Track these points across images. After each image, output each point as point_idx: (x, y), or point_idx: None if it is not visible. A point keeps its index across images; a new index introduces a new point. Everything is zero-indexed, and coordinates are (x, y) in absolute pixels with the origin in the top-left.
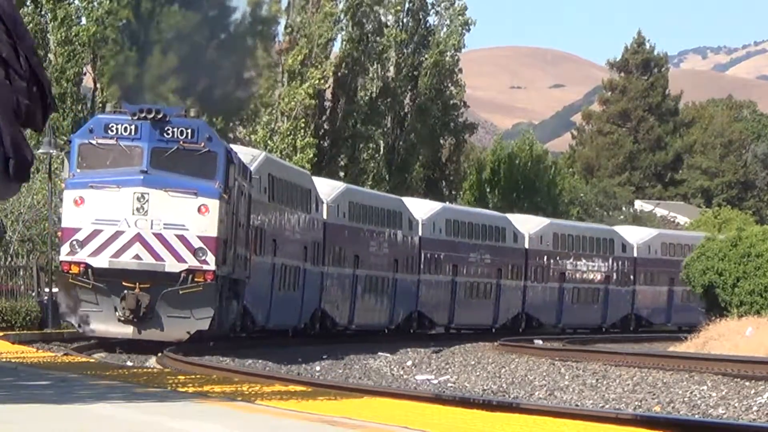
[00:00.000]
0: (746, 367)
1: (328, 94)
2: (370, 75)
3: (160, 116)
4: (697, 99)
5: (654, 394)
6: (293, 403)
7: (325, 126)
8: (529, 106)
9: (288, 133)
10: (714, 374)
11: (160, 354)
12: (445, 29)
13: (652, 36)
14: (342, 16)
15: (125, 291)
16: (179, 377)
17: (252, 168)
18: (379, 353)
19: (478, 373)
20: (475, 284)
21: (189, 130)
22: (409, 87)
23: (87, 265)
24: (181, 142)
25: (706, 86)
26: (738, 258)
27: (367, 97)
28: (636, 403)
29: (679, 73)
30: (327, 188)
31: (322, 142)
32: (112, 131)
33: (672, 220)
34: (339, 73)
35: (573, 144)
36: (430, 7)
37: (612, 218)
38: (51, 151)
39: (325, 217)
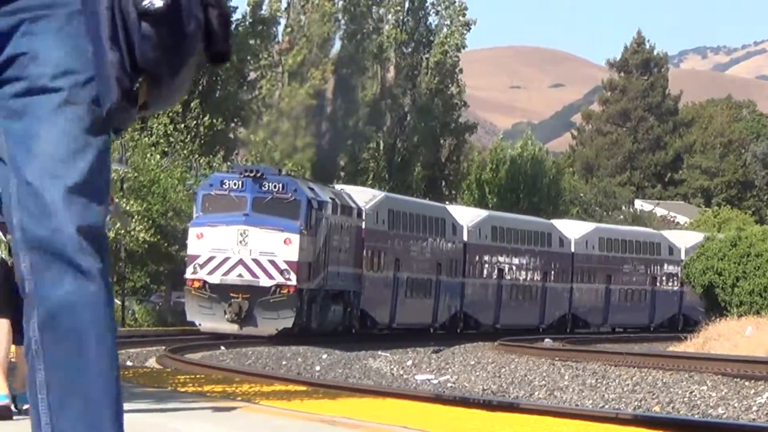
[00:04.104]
0: (746, 367)
1: (329, 94)
2: (370, 75)
3: (259, 174)
4: (696, 99)
5: (654, 394)
6: (293, 403)
7: (325, 126)
8: (529, 106)
9: (288, 133)
10: (714, 374)
11: (160, 354)
12: (445, 29)
13: (652, 36)
14: (340, 16)
15: (231, 299)
16: (179, 377)
17: (367, 206)
18: (380, 353)
19: (478, 373)
20: (629, 291)
21: (281, 184)
22: (409, 87)
23: (204, 281)
24: (275, 193)
25: (706, 86)
26: (738, 258)
27: (367, 98)
28: (636, 403)
29: (679, 73)
30: (468, 216)
31: (322, 142)
32: (225, 185)
33: (672, 219)
34: (339, 73)
35: (573, 144)
36: (430, 7)
37: (611, 218)
38: None
39: (465, 238)
